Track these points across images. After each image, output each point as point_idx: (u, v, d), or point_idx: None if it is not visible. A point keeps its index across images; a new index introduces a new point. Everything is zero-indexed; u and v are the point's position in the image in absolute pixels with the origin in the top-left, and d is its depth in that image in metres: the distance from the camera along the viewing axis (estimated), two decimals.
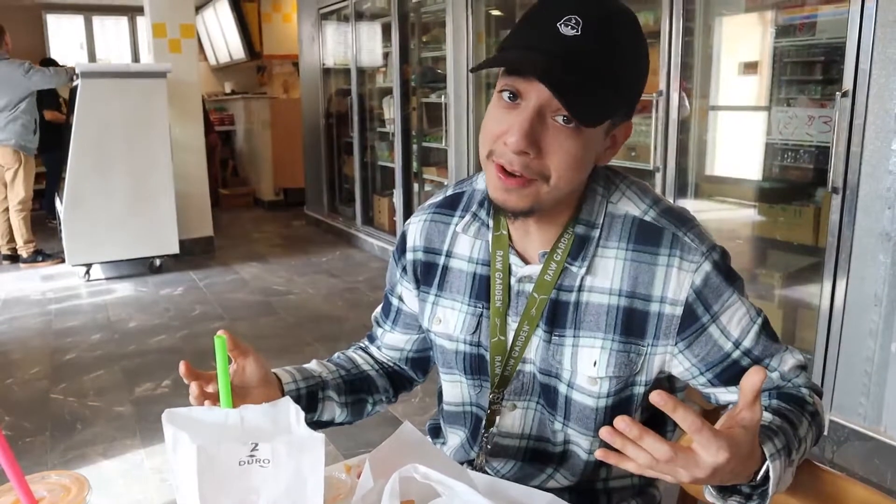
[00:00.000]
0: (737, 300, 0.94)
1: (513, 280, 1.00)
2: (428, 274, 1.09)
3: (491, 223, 1.02)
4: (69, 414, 3.01)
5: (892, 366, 2.33)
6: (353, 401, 1.14)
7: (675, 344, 0.95)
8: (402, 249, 1.13)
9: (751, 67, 3.20)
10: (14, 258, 5.62)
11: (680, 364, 0.97)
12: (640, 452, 0.72)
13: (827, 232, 2.50)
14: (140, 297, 4.77)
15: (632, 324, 0.95)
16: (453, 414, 1.13)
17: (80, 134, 4.90)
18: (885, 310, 2.32)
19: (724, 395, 0.99)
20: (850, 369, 2.45)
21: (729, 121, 3.30)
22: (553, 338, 0.99)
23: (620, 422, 0.71)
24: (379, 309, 1.22)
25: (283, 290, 4.92)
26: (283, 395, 1.02)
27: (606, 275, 0.96)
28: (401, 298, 1.16)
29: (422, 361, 1.22)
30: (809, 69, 2.99)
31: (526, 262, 1.00)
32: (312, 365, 1.13)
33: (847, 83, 2.35)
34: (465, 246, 1.05)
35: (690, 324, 0.94)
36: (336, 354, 1.21)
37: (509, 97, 0.87)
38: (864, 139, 2.32)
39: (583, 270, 0.96)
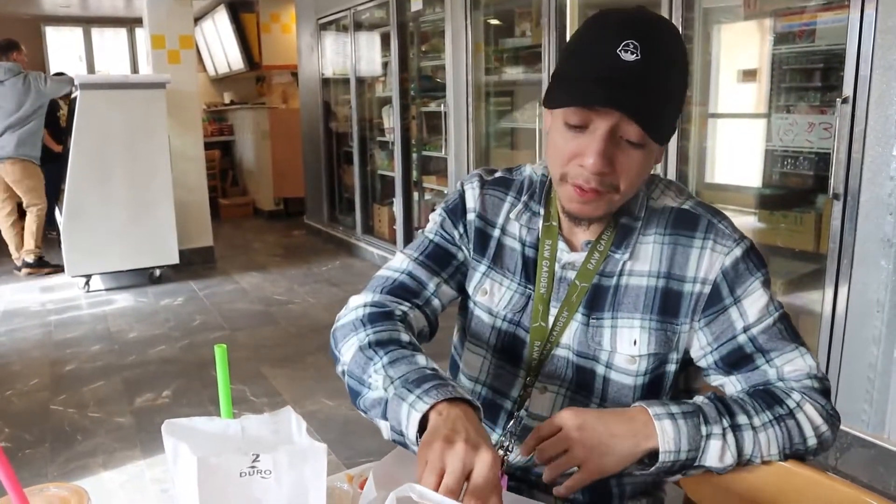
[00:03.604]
0: (760, 289, 0.98)
1: (557, 266, 1.05)
2: (482, 243, 1.12)
3: (542, 211, 1.08)
4: (69, 425, 2.99)
5: (895, 372, 2.32)
6: None
7: (699, 321, 1.00)
8: (463, 209, 1.13)
9: (750, 75, 3.20)
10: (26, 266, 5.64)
11: (697, 342, 1.02)
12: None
13: (828, 238, 2.49)
14: (140, 308, 4.76)
15: (667, 303, 1.01)
16: (467, 390, 1.11)
17: (80, 145, 4.90)
18: (888, 316, 2.31)
19: (728, 385, 1.01)
20: (853, 376, 2.44)
21: (729, 128, 3.30)
22: (591, 321, 1.03)
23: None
24: (421, 256, 1.11)
25: (283, 300, 4.91)
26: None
27: (646, 258, 1.02)
28: (464, 254, 1.13)
29: (437, 323, 1.14)
30: (809, 76, 2.98)
31: (572, 248, 1.05)
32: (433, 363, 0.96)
33: (847, 89, 2.35)
34: (516, 227, 1.10)
35: (714, 303, 0.99)
36: (408, 338, 0.99)
37: (577, 126, 0.92)
38: (865, 145, 2.32)
39: (626, 256, 1.02)
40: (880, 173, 2.29)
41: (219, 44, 9.22)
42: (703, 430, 0.89)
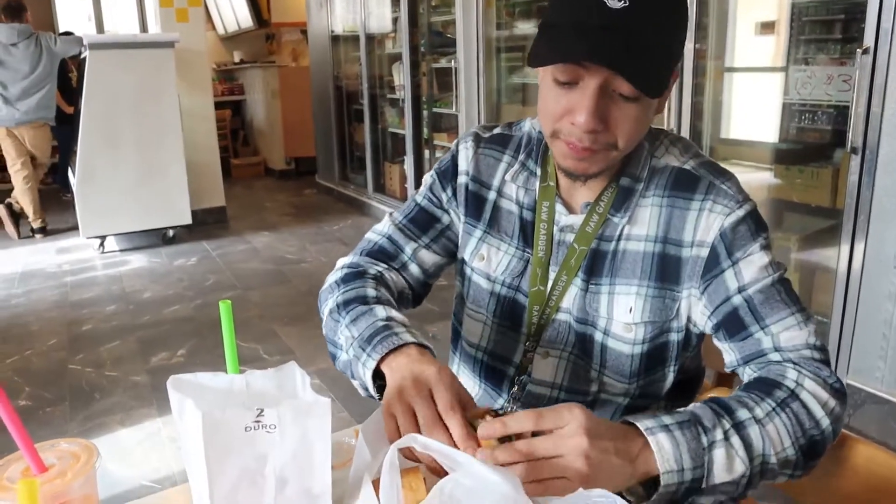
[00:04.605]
0: (760, 251, 0.93)
1: (555, 229, 1.02)
2: (476, 207, 1.08)
3: (539, 172, 1.03)
4: (87, 384, 3.04)
5: None
6: None
7: (698, 287, 0.95)
8: (454, 172, 1.10)
9: (768, 27, 3.12)
10: (43, 230, 5.69)
11: (697, 307, 0.97)
12: (510, 449, 0.71)
13: (845, 193, 2.45)
14: (154, 268, 4.79)
15: (666, 270, 0.96)
16: (469, 356, 1.13)
17: (90, 106, 4.89)
18: None
19: (726, 354, 0.96)
20: (868, 333, 2.42)
21: (745, 82, 3.23)
22: (590, 286, 1.00)
23: (486, 426, 0.73)
24: (404, 221, 1.13)
25: (295, 259, 4.93)
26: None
27: (644, 223, 0.97)
28: (450, 218, 1.12)
29: (427, 288, 1.16)
30: (829, 27, 2.91)
31: (571, 210, 1.02)
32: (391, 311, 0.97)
33: (868, 40, 2.29)
34: (513, 188, 1.06)
35: (711, 267, 0.94)
36: (375, 293, 1.00)
37: (566, 82, 0.87)
38: (885, 98, 2.26)
39: (624, 220, 0.97)
40: None
41: (227, 1, 9.10)
42: (704, 439, 0.76)
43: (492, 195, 1.07)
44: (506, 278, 1.05)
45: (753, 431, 0.79)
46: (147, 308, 3.98)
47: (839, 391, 0.86)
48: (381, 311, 0.93)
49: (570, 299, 1.01)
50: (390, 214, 1.15)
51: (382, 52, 6.01)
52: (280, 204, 6.92)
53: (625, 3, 0.80)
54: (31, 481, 0.55)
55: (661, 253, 0.96)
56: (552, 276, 1.02)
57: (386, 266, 1.08)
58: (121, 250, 5.22)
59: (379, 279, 1.04)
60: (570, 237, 1.00)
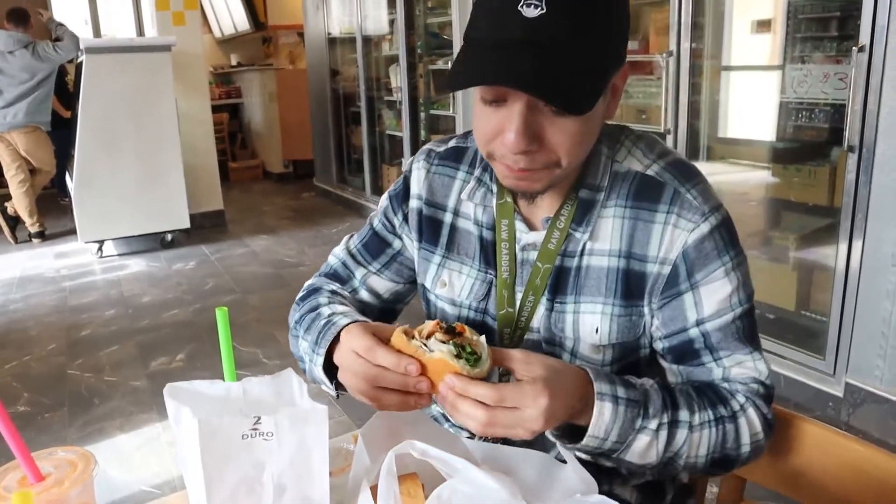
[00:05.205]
0: (724, 276, 0.88)
1: (517, 248, 0.96)
2: (433, 231, 1.03)
3: (495, 188, 0.98)
4: (86, 389, 3.03)
5: None
6: None
7: (656, 301, 0.91)
8: (405, 195, 1.05)
9: (764, 25, 3.13)
10: (41, 234, 5.68)
11: (652, 325, 0.93)
12: (472, 407, 0.73)
13: (842, 192, 2.45)
14: (153, 273, 4.79)
15: (631, 286, 0.91)
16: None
17: (87, 110, 4.88)
18: None
19: (670, 374, 0.95)
20: (867, 331, 2.42)
21: (741, 81, 3.24)
22: (555, 305, 0.94)
23: (448, 380, 0.74)
24: (358, 245, 1.10)
25: (293, 262, 4.93)
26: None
27: (606, 237, 0.91)
28: (402, 243, 1.09)
29: (389, 314, 1.13)
30: (825, 25, 2.91)
31: (531, 227, 0.96)
32: (335, 307, 1.01)
33: (864, 37, 2.29)
34: (470, 206, 1.01)
35: (670, 286, 0.90)
36: (327, 300, 1.02)
37: (493, 100, 0.81)
38: (882, 96, 2.27)
39: (586, 236, 0.91)
40: None
41: (224, 4, 9.10)
42: (638, 423, 0.80)
43: (448, 217, 1.02)
44: (471, 302, 1.00)
45: (681, 434, 0.83)
46: (146, 312, 3.98)
47: (771, 427, 0.90)
48: (325, 311, 0.95)
49: (539, 319, 0.96)
50: (350, 237, 1.13)
51: (379, 55, 6.01)
52: (278, 207, 6.92)
53: (542, 9, 0.74)
54: (25, 493, 0.55)
55: (625, 269, 0.91)
56: (519, 297, 0.96)
57: (340, 286, 1.09)
58: (119, 255, 5.21)
59: (335, 292, 1.06)
60: (532, 255, 0.95)
